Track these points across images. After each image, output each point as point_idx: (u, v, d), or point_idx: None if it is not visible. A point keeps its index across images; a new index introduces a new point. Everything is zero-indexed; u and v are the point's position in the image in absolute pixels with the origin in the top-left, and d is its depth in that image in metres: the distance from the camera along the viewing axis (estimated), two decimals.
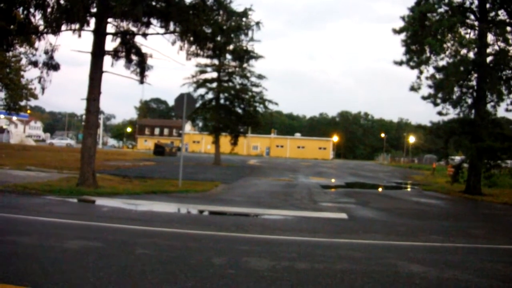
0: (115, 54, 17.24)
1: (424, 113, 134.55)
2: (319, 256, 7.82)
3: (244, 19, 37.98)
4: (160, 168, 30.37)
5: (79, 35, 15.44)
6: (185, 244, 8.17)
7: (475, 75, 23.62)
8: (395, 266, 7.22)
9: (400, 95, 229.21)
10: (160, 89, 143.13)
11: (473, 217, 16.12)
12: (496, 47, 23.29)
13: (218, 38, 19.21)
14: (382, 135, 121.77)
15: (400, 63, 24.43)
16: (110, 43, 16.92)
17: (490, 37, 23.24)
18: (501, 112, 23.98)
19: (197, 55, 17.96)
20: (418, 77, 24.14)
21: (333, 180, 30.28)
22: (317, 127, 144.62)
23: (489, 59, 23.27)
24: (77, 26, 15.08)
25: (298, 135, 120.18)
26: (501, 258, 8.63)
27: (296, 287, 5.81)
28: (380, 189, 26.18)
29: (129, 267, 6.21)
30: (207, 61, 41.37)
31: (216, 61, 41.70)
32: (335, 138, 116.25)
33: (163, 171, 26.43)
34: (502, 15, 23.09)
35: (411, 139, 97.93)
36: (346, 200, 17.60)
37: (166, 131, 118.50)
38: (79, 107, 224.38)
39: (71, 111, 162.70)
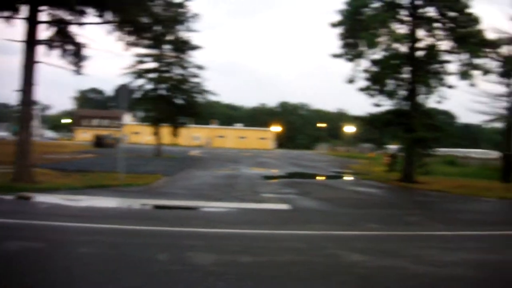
0: (50, 44, 16.59)
1: (363, 103, 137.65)
2: (261, 248, 7.98)
3: (181, 9, 37.84)
4: (100, 160, 29.59)
5: (11, 23, 14.79)
6: (128, 240, 8.07)
7: (408, 68, 24.50)
8: (338, 256, 7.47)
9: (340, 87, 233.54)
10: (98, 78, 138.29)
11: (409, 204, 16.79)
12: (426, 42, 24.26)
13: (156, 28, 18.93)
14: (319, 125, 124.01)
15: (338, 56, 25.08)
16: (45, 32, 16.23)
17: (421, 32, 24.17)
18: (432, 103, 25.01)
19: (135, 45, 17.61)
20: (355, 70, 24.87)
21: (274, 171, 30.57)
22: (258, 117, 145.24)
23: (420, 53, 24.25)
24: (8, 13, 14.44)
25: (239, 125, 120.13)
26: (435, 244, 9.10)
27: (241, 281, 5.90)
28: (320, 179, 26.70)
29: (71, 267, 6.07)
30: (147, 51, 40.67)
31: (155, 51, 41.03)
32: (276, 128, 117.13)
33: (104, 164, 25.75)
34: (431, 11, 24.02)
35: (348, 129, 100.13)
36: (288, 191, 17.88)
37: (105, 122, 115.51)
38: (12, 98, 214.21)
39: (4, 102, 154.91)
